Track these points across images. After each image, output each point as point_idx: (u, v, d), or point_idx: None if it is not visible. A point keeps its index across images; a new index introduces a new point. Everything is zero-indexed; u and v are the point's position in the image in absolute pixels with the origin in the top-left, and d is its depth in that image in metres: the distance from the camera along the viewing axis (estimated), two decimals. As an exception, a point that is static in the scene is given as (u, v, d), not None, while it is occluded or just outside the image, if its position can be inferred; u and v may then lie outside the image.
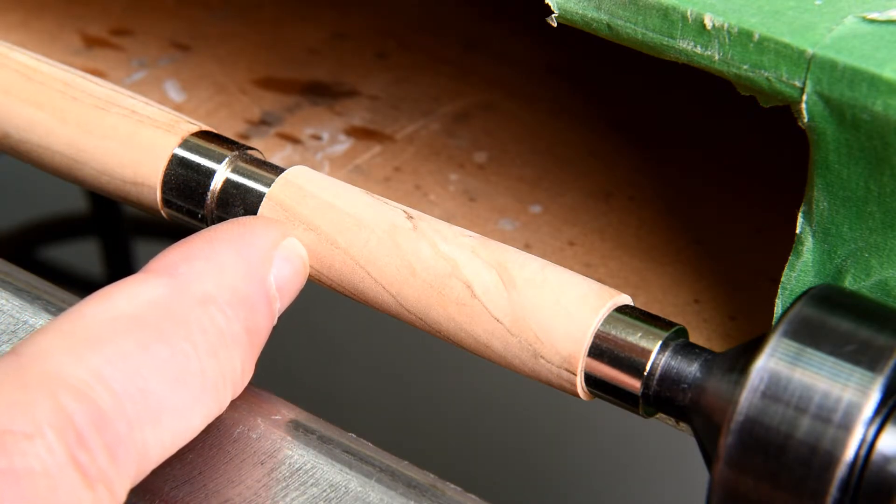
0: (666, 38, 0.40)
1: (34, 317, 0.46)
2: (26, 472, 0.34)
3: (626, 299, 0.41)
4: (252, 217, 0.43)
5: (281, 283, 0.41)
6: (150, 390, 0.37)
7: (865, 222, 0.39)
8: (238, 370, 0.39)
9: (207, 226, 0.45)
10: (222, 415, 0.42)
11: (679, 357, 0.39)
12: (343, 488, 0.41)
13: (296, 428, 0.43)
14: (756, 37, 0.39)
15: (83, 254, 1.31)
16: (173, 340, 0.38)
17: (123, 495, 0.36)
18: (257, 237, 0.41)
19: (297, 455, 0.42)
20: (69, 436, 0.34)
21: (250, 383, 0.44)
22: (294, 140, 0.56)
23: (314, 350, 1.31)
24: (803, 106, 0.38)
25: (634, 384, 0.39)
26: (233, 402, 0.43)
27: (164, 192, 0.45)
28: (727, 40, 0.39)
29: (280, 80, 0.59)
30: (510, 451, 1.24)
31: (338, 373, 1.29)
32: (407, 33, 0.62)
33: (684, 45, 0.40)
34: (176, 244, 0.40)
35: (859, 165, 0.38)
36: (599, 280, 0.46)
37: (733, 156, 0.56)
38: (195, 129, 0.46)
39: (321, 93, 0.59)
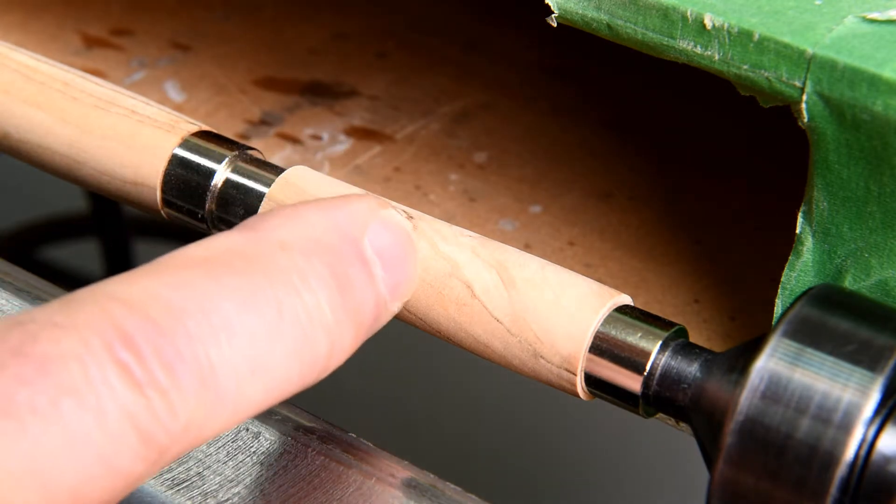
0: (666, 38, 0.40)
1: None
2: (57, 357, 0.31)
3: (626, 299, 0.41)
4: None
5: (379, 249, 0.37)
6: (214, 309, 0.33)
7: (865, 222, 0.39)
8: (329, 318, 0.36)
9: (207, 226, 0.45)
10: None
11: (679, 357, 0.39)
12: (343, 488, 0.41)
13: (296, 428, 0.43)
14: (756, 37, 0.39)
15: (83, 254, 1.31)
16: (246, 273, 0.34)
17: (185, 413, 0.32)
18: (350, 202, 0.38)
19: (297, 455, 0.42)
20: (110, 333, 0.31)
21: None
22: (294, 140, 0.56)
23: (314, 350, 1.31)
24: (803, 106, 0.38)
25: (634, 384, 0.39)
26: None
27: (164, 192, 0.45)
28: (727, 40, 0.39)
29: (280, 80, 0.59)
30: (510, 451, 1.24)
31: (338, 373, 1.29)
32: (407, 33, 0.62)
33: (684, 45, 0.40)
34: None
35: (859, 165, 0.38)
36: (599, 280, 0.46)
37: (733, 156, 0.56)
38: (195, 129, 0.46)
39: (321, 93, 0.59)
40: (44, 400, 0.30)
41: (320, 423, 0.43)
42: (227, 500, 0.41)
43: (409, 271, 0.38)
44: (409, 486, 0.41)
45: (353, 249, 0.37)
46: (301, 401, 0.45)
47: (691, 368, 0.39)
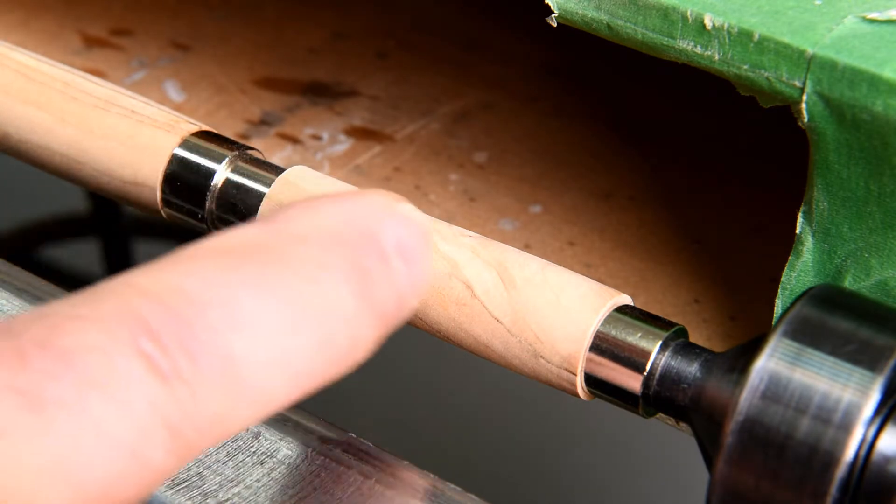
0: (666, 38, 0.40)
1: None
2: (82, 349, 0.31)
3: (626, 299, 0.41)
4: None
5: (398, 243, 0.37)
6: (235, 301, 0.33)
7: (865, 222, 0.39)
8: (350, 310, 0.35)
9: (207, 226, 0.45)
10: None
11: (679, 357, 0.39)
12: (343, 488, 0.41)
13: (296, 428, 0.43)
14: (756, 37, 0.39)
15: (83, 254, 1.31)
16: (266, 264, 0.34)
17: (210, 405, 0.32)
18: (367, 196, 0.37)
19: (297, 455, 0.42)
20: (133, 325, 0.31)
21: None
22: (294, 140, 0.56)
23: (314, 350, 1.31)
24: (803, 106, 0.38)
25: (634, 384, 0.39)
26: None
27: (164, 192, 0.45)
28: (727, 40, 0.39)
29: (280, 80, 0.59)
30: (510, 451, 1.24)
31: (338, 373, 1.29)
32: (407, 33, 0.62)
33: (684, 45, 0.40)
34: None
35: (859, 165, 0.38)
36: (599, 280, 0.46)
37: (733, 156, 0.56)
38: (195, 129, 0.46)
39: (321, 93, 0.59)
40: (71, 393, 0.30)
41: (320, 423, 0.43)
42: (228, 500, 0.41)
43: (427, 266, 0.38)
44: (410, 487, 0.41)
45: (373, 243, 0.36)
46: (301, 401, 0.45)
47: (691, 368, 0.39)
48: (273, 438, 0.42)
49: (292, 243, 0.35)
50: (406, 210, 0.38)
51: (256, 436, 0.42)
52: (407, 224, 0.37)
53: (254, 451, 0.42)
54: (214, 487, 0.41)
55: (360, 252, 0.36)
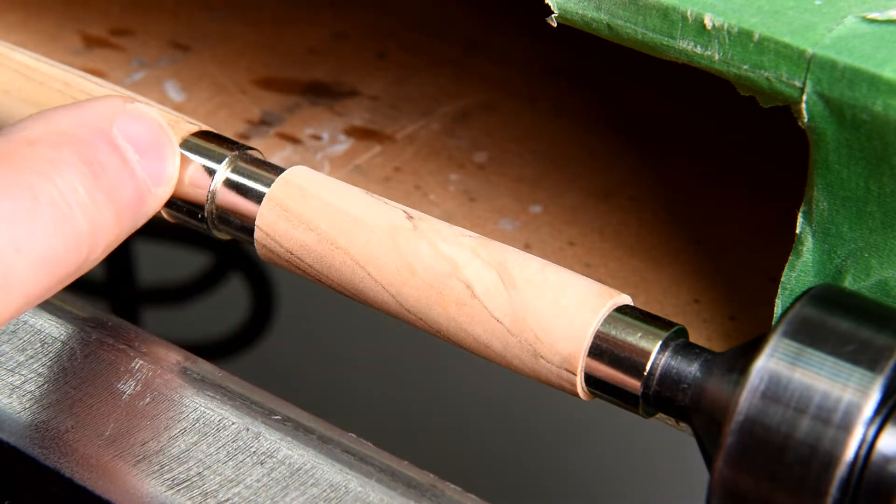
0: (666, 38, 0.40)
1: (34, 316, 0.46)
2: None
3: (626, 299, 0.41)
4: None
5: (130, 136, 0.41)
6: None
7: (865, 222, 0.39)
8: (85, 198, 0.39)
9: (208, 226, 0.45)
10: (222, 415, 0.42)
11: (679, 357, 0.39)
12: (343, 488, 0.41)
13: (296, 428, 0.43)
14: (756, 37, 0.39)
15: (83, 254, 1.30)
16: None
17: None
18: (96, 100, 0.41)
19: (297, 455, 0.42)
20: None
21: (251, 382, 0.44)
22: (294, 140, 0.56)
23: (314, 350, 1.31)
24: (803, 106, 0.38)
25: (634, 384, 0.39)
26: (233, 402, 0.43)
27: (164, 192, 0.45)
28: (727, 40, 0.39)
29: (280, 80, 0.59)
30: (510, 451, 1.24)
31: (338, 373, 1.29)
32: (407, 33, 0.62)
33: (684, 45, 0.40)
34: None
35: (859, 165, 0.38)
36: (599, 280, 0.46)
37: (733, 156, 0.56)
38: (195, 129, 0.46)
39: (321, 93, 0.59)
40: None
41: (320, 423, 0.43)
42: (228, 500, 0.41)
43: (168, 157, 0.42)
44: (409, 486, 0.41)
45: (103, 138, 0.40)
46: (301, 401, 0.45)
47: (691, 368, 0.39)
48: (273, 438, 0.42)
49: (22, 147, 0.38)
50: (136, 108, 0.41)
51: (257, 436, 0.42)
52: (138, 119, 0.41)
53: (254, 451, 0.42)
54: (214, 487, 0.41)
55: (91, 147, 0.39)
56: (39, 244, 0.38)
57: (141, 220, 0.41)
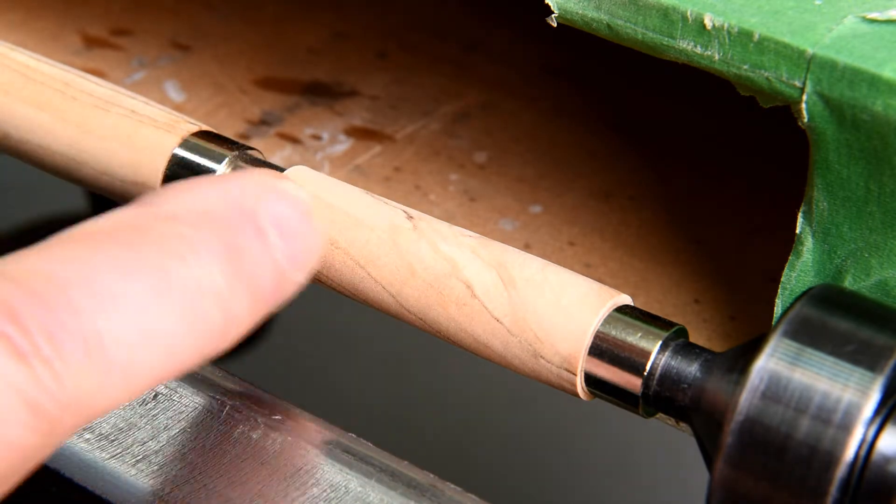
0: (666, 38, 0.40)
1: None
2: None
3: (626, 299, 0.41)
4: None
5: (275, 219, 0.38)
6: (97, 279, 0.34)
7: (865, 222, 0.39)
8: (221, 286, 0.36)
9: (207, 226, 0.45)
10: (223, 415, 0.42)
11: (679, 357, 0.39)
12: (343, 488, 0.41)
13: (296, 428, 0.43)
14: (756, 37, 0.39)
15: (83, 254, 1.30)
16: (132, 243, 0.35)
17: (72, 381, 0.33)
18: (245, 176, 0.38)
19: (298, 455, 0.42)
20: None
21: (251, 383, 0.44)
22: (294, 140, 0.56)
23: (314, 350, 1.31)
24: (803, 106, 0.38)
25: (634, 384, 0.39)
26: (233, 403, 0.43)
27: (164, 192, 0.45)
28: (727, 40, 0.39)
29: (280, 80, 0.59)
30: (510, 451, 1.24)
31: (338, 373, 1.29)
32: (407, 33, 0.62)
33: (684, 45, 0.40)
34: None
35: (859, 165, 0.38)
36: (599, 280, 0.46)
37: (733, 156, 0.56)
38: (195, 129, 0.46)
39: (321, 93, 0.59)
40: None
41: (321, 423, 0.43)
42: (229, 500, 0.41)
43: (310, 240, 0.38)
44: (409, 486, 0.41)
45: (248, 220, 0.37)
46: (301, 401, 0.45)
47: (691, 368, 0.39)
48: (274, 438, 0.42)
49: (162, 222, 0.35)
50: (285, 187, 0.38)
51: (257, 436, 0.42)
52: (285, 199, 0.38)
53: (254, 452, 0.42)
54: (215, 488, 0.41)
55: (233, 229, 0.36)
56: (166, 336, 0.34)
57: (273, 309, 0.38)
